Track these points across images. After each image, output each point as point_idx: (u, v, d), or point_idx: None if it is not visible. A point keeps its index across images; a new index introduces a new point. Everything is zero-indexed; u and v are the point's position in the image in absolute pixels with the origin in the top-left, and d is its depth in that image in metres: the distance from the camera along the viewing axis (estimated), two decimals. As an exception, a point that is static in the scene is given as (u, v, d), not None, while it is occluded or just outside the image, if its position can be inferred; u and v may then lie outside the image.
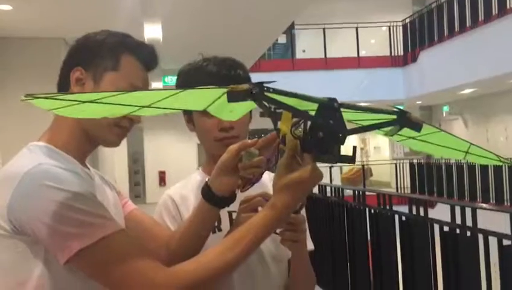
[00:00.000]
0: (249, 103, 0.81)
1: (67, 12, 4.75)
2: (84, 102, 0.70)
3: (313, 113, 0.81)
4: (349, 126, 0.84)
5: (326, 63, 11.82)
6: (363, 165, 13.44)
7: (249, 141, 0.97)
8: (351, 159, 0.79)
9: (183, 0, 4.79)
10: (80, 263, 0.87)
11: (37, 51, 5.45)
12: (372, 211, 3.64)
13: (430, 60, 10.99)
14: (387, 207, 3.46)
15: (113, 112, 0.78)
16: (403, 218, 3.21)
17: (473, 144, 0.98)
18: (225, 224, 1.16)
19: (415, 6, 14.02)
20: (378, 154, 15.89)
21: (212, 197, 1.02)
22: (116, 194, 1.16)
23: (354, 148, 0.81)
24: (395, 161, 13.12)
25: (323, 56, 12.08)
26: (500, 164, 1.06)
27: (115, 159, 9.05)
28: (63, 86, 1.05)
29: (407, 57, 12.14)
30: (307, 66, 11.70)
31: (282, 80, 0.84)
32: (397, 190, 11.62)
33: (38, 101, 0.67)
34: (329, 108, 0.78)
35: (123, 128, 1.05)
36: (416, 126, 0.86)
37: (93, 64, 1.03)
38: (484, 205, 4.20)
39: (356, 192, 4.03)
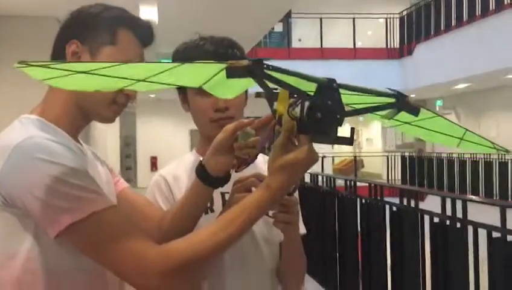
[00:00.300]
0: (247, 81, 0.79)
1: (61, -9, 4.69)
2: (78, 72, 0.68)
3: (310, 94, 0.80)
4: (346, 109, 0.83)
5: (322, 53, 11.79)
6: (355, 157, 13.50)
7: (245, 120, 0.96)
8: (348, 141, 0.78)
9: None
10: (70, 238, 0.86)
11: (30, 29, 5.38)
12: (363, 201, 3.65)
13: (426, 53, 11.00)
14: (379, 198, 3.47)
15: (106, 86, 0.76)
16: (394, 208, 3.22)
17: (469, 130, 0.98)
18: (217, 205, 1.15)
19: (413, -1, 14.02)
20: (370, 146, 15.96)
21: (207, 177, 1.01)
22: (109, 171, 1.14)
23: (352, 129, 0.80)
24: (387, 153, 13.18)
25: (319, 46, 12.04)
26: (494, 151, 1.05)
27: (107, 142, 9.01)
28: (57, 58, 1.02)
29: (403, 50, 12.14)
30: (303, 55, 11.66)
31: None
32: (388, 182, 11.69)
33: (32, 70, 0.65)
34: (328, 88, 0.77)
35: (119, 104, 1.04)
36: (414, 110, 0.85)
37: (89, 38, 1.01)
38: (474, 198, 4.23)
39: (348, 182, 4.04)
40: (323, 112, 0.77)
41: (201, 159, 1.03)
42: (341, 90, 0.80)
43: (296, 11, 11.16)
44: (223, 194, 1.15)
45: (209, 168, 1.00)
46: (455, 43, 9.86)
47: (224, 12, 5.66)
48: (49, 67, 0.65)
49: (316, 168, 1.33)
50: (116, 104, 1.03)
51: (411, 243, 2.98)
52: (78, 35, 1.01)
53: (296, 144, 0.85)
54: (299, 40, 13.62)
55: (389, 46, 12.43)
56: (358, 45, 12.51)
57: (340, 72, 11.23)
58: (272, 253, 1.19)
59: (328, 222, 4.24)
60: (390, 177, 12.15)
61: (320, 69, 11.11)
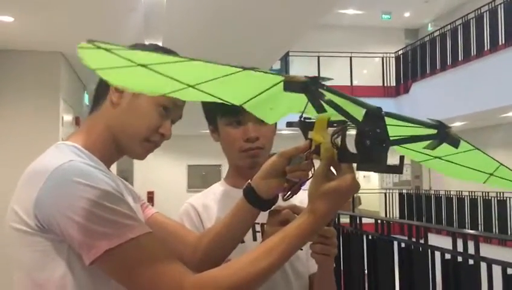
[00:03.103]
0: (290, 105, 0.79)
1: (68, 26, 4.75)
2: (138, 64, 0.65)
3: (351, 122, 0.80)
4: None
5: (320, 91, 11.93)
6: (352, 194, 13.45)
7: (302, 145, 0.95)
8: (398, 169, 0.78)
9: (185, 21, 4.84)
10: (106, 264, 0.84)
11: (35, 63, 5.44)
12: (370, 237, 3.61)
13: (422, 91, 11.16)
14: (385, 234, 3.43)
15: (153, 88, 0.74)
16: (402, 245, 3.18)
17: (503, 165, 0.97)
18: (248, 236, 1.13)
19: (408, 40, 14.33)
20: (367, 183, 15.92)
21: (257, 199, 1.00)
22: (138, 200, 1.13)
23: (402, 157, 0.79)
24: (384, 190, 13.15)
25: (316, 83, 12.20)
26: None
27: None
28: (101, 91, 1.05)
29: (400, 88, 12.33)
30: (301, 93, 11.79)
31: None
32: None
33: (89, 54, 0.61)
34: (376, 116, 0.77)
35: (152, 142, 1.05)
36: (455, 142, 0.85)
37: None
38: (488, 234, 4.19)
39: (353, 218, 4.01)
40: (372, 139, 0.76)
41: (249, 181, 1.02)
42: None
43: (294, 49, 11.36)
44: (253, 225, 1.14)
45: (260, 190, 1.00)
46: (451, 83, 10.02)
47: (226, 51, 5.76)
48: (112, 52, 0.62)
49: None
50: (149, 142, 1.04)
51: (421, 280, 2.94)
52: None
53: (335, 173, 0.85)
54: (297, 77, 13.81)
55: (385, 85, 12.62)
56: (355, 83, 12.70)
57: (338, 109, 11.34)
58: (301, 286, 1.17)
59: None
60: (388, 215, 12.09)
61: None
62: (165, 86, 0.72)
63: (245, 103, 0.80)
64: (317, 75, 0.74)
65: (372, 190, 14.39)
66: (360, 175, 16.88)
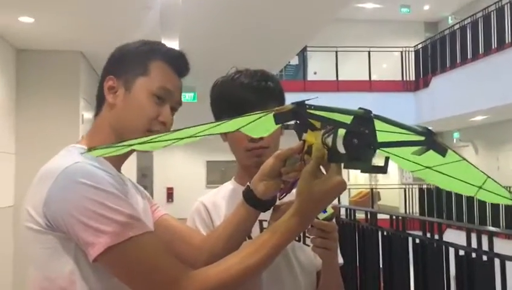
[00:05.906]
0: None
1: (86, 25, 4.84)
2: (135, 144, 0.77)
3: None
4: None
5: (338, 86, 11.88)
6: (371, 189, 13.39)
7: (295, 147, 0.98)
8: (382, 169, 0.80)
9: (201, 18, 4.87)
10: (108, 261, 0.89)
11: (55, 63, 5.55)
12: (385, 233, 3.61)
13: (442, 86, 11.02)
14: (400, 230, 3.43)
15: (157, 146, 0.81)
16: (417, 241, 3.18)
17: (490, 178, 0.94)
18: (255, 232, 1.16)
19: (428, 33, 14.15)
20: (387, 178, 15.79)
21: (256, 200, 1.03)
22: (147, 201, 1.18)
23: (387, 158, 0.81)
24: (403, 186, 13.05)
25: (334, 78, 12.14)
26: (510, 203, 1.01)
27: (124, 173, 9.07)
28: (101, 94, 1.09)
29: (419, 82, 12.19)
30: (318, 88, 11.75)
31: (293, 101, 0.86)
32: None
33: (97, 151, 0.78)
34: (365, 118, 0.79)
35: (155, 133, 1.06)
36: (442, 150, 0.85)
37: (123, 72, 1.07)
38: (501, 230, 4.14)
39: (368, 213, 4.01)
40: (359, 139, 0.78)
41: (248, 183, 1.06)
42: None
43: (311, 44, 11.33)
44: (260, 221, 1.17)
45: (258, 191, 1.03)
46: (471, 76, 9.87)
47: (244, 47, 5.78)
48: (111, 147, 0.77)
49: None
50: (152, 133, 1.06)
51: (435, 276, 2.93)
52: (115, 70, 1.07)
53: (324, 172, 0.87)
54: (315, 73, 13.76)
55: (404, 79, 12.49)
56: (373, 77, 12.60)
57: (356, 104, 11.10)
58: (309, 282, 1.20)
59: (348, 254, 4.18)
60: (407, 210, 12.00)
61: (336, 102, 11.11)
62: (167, 143, 0.81)
63: (241, 128, 0.83)
64: (303, 99, 0.77)
65: (392, 185, 14.29)
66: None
